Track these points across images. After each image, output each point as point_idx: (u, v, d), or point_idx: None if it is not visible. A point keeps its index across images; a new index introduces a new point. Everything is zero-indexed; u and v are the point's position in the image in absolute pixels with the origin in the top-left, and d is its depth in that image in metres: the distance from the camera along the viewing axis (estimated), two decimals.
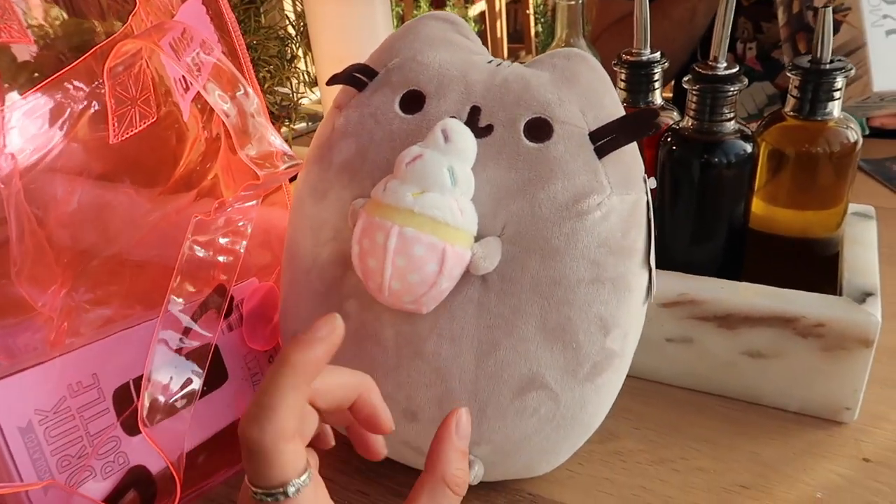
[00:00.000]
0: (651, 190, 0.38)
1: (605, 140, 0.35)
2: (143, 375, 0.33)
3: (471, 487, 0.43)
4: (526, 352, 0.35)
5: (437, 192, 0.32)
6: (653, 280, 0.39)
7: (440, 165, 0.33)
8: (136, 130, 0.35)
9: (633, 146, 0.37)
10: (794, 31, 0.77)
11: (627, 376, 0.41)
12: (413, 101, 0.37)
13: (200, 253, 0.33)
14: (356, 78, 0.39)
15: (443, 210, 0.32)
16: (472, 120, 0.36)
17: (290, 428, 0.26)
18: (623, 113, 0.37)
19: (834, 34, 0.70)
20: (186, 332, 0.34)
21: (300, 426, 0.27)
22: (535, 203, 0.35)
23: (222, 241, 0.34)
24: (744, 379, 0.47)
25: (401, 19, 2.84)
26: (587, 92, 0.37)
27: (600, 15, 1.09)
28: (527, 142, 0.35)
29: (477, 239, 0.35)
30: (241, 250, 0.34)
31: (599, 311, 0.36)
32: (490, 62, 0.39)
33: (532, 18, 3.07)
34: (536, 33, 3.10)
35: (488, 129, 0.36)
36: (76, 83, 0.34)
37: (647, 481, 0.43)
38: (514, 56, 3.22)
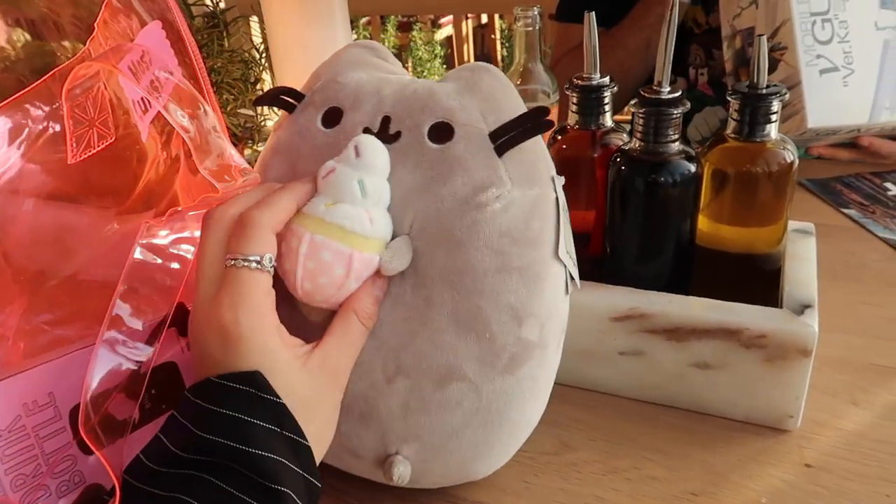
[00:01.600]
0: (563, 186, 0.41)
1: (504, 139, 0.38)
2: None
3: (433, 499, 0.44)
4: (442, 343, 0.37)
5: (349, 203, 0.35)
6: (571, 273, 0.41)
7: (350, 179, 0.36)
8: (95, 151, 0.36)
9: (539, 147, 0.40)
10: (736, 66, 0.82)
11: (582, 388, 0.42)
12: (333, 117, 0.40)
13: (149, 258, 0.34)
14: (283, 100, 0.42)
15: (352, 220, 0.35)
16: (384, 128, 0.39)
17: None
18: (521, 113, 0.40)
19: (771, 72, 0.74)
20: (131, 334, 0.34)
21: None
22: (437, 199, 0.37)
23: (172, 249, 0.35)
24: (693, 389, 0.49)
25: None
26: (488, 97, 0.40)
27: (559, 42, 1.13)
28: (430, 144, 0.38)
29: (393, 237, 0.37)
30: (191, 257, 0.35)
31: (509, 300, 0.37)
32: (406, 79, 0.42)
33: (498, 43, 3.13)
34: (503, 57, 3.15)
35: (397, 136, 0.39)
36: (36, 104, 0.35)
37: (601, 490, 0.44)
38: None
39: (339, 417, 0.38)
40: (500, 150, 0.38)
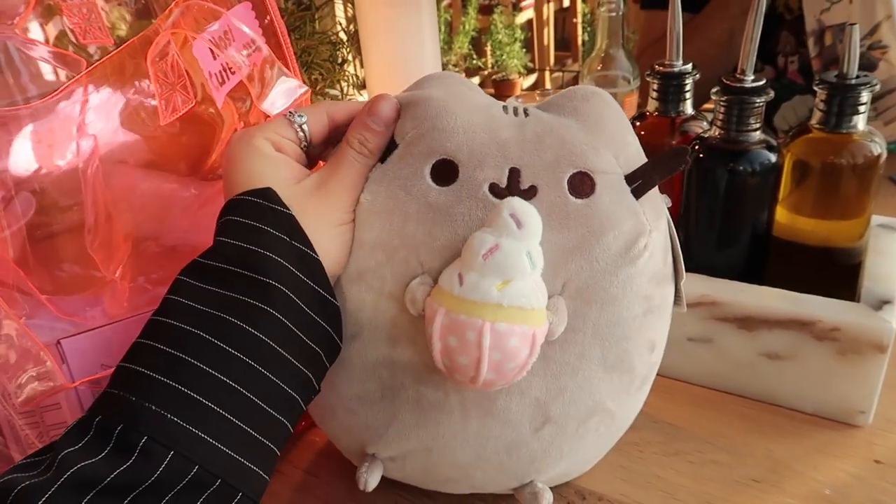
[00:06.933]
0: (668, 207, 0.40)
1: (641, 182, 0.37)
2: None
3: None
4: (590, 388, 0.37)
5: (520, 279, 0.33)
6: (679, 287, 0.41)
7: (519, 253, 0.33)
8: (181, 113, 0.39)
9: None
10: (826, 65, 0.78)
11: None
12: (445, 171, 0.36)
13: None
14: None
15: (529, 297, 0.33)
16: (513, 182, 0.36)
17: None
18: (638, 144, 0.39)
19: (871, 71, 0.69)
20: None
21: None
22: (591, 258, 0.36)
23: None
24: (761, 379, 0.49)
25: (449, 25, 2.88)
26: (615, 135, 0.38)
27: (645, 32, 1.11)
28: (573, 199, 0.36)
29: None
30: None
31: (650, 336, 0.39)
32: (506, 110, 0.38)
33: (580, 27, 3.09)
34: (583, 42, 3.11)
35: (532, 191, 0.35)
36: (124, 78, 0.38)
37: (661, 470, 0.45)
38: (560, 64, 3.24)
39: (468, 471, 0.39)
40: (637, 193, 0.37)
